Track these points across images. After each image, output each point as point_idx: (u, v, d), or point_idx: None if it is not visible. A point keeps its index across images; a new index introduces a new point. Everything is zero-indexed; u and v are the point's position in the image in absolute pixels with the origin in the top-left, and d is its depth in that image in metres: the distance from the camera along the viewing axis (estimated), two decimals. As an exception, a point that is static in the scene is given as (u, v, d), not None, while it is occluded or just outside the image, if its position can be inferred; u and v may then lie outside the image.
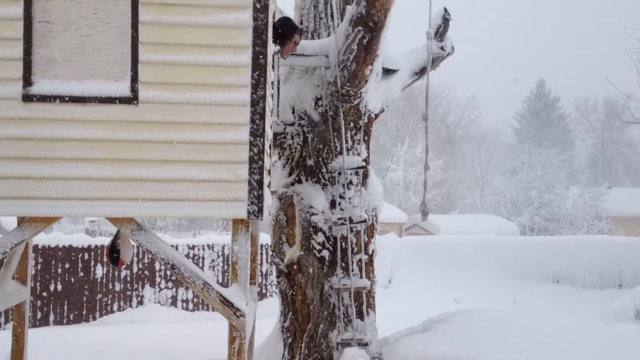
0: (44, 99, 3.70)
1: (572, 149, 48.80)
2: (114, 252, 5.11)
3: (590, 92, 61.30)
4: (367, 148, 5.81)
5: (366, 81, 5.36)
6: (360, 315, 5.58)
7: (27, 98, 3.70)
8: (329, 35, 5.70)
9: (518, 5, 78.94)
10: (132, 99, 3.74)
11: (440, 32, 5.92)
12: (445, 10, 5.85)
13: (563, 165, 34.55)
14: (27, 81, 3.69)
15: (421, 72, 6.03)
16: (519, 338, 5.22)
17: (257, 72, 3.81)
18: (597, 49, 69.42)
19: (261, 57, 3.79)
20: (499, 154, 46.92)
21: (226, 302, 3.96)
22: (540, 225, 30.64)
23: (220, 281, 12.22)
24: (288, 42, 5.11)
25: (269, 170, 4.52)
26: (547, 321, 6.04)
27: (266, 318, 9.00)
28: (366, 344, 5.35)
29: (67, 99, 3.71)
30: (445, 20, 5.87)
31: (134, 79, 3.73)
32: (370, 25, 5.01)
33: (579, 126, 56.32)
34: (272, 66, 4.26)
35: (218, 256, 12.49)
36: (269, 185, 4.36)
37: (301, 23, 5.89)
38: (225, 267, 12.47)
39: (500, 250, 16.69)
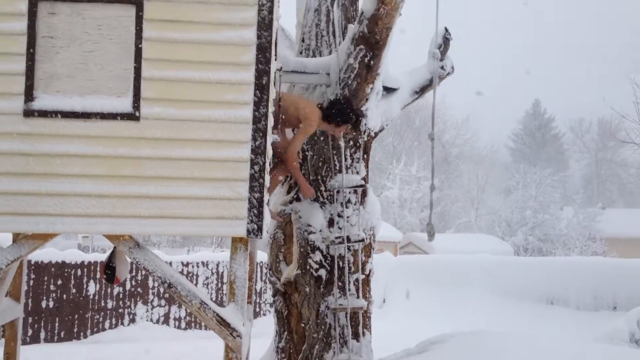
0: (45, 114, 3.68)
1: (567, 169, 49.01)
2: (109, 270, 5.06)
3: (584, 112, 61.68)
4: (366, 167, 5.80)
5: (367, 99, 5.36)
6: (356, 336, 5.53)
7: (28, 113, 3.67)
8: (330, 53, 5.71)
9: (511, 24, 79.80)
10: (134, 115, 3.72)
11: (440, 52, 5.94)
12: (446, 30, 5.88)
13: (557, 186, 34.66)
14: (29, 96, 3.66)
15: (421, 91, 6.04)
16: (516, 360, 5.16)
17: (259, 90, 3.80)
18: (591, 68, 70.05)
19: (264, 74, 3.79)
20: (495, 173, 47.06)
21: (223, 323, 3.92)
22: (534, 245, 30.66)
23: (214, 299, 12.12)
24: (344, 125, 5.15)
25: (268, 188, 4.50)
26: (543, 343, 5.98)
27: (260, 337, 8.91)
28: (361, 365, 5.29)
29: (68, 114, 3.68)
30: (446, 40, 5.90)
31: (137, 95, 3.71)
32: (372, 43, 5.03)
33: (574, 146, 56.64)
34: (274, 83, 4.25)
35: (212, 273, 12.40)
36: (267, 203, 4.34)
37: (303, 41, 5.90)
38: (219, 284, 12.37)
39: (495, 271, 16.67)
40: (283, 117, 4.95)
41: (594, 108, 51.99)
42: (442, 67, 5.99)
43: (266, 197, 4.02)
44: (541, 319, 13.99)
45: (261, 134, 3.84)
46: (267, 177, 4.12)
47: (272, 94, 4.03)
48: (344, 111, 5.11)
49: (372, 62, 5.14)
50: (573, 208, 33.50)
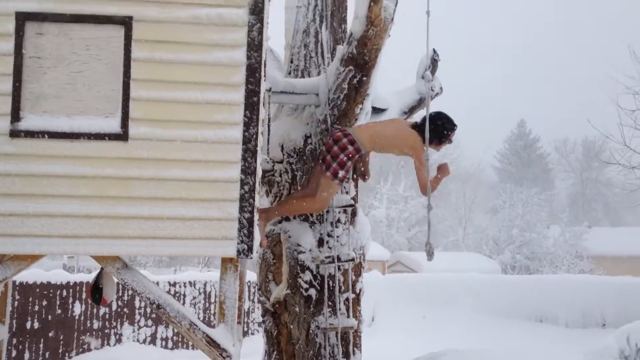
0: (31, 134, 3.64)
1: (552, 188, 49.38)
2: (96, 291, 5.00)
3: (568, 132, 62.44)
4: (356, 186, 5.79)
5: (356, 119, 5.37)
6: (346, 356, 5.48)
7: (15, 134, 3.63)
8: (319, 74, 5.73)
9: (497, 44, 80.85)
10: (122, 136, 3.69)
11: (430, 73, 5.96)
12: (434, 51, 5.92)
13: (544, 205, 34.86)
14: (15, 116, 3.63)
15: (410, 111, 6.06)
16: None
17: (249, 110, 3.80)
18: (576, 90, 71.08)
19: (254, 95, 3.79)
20: (481, 192, 47.30)
21: (213, 343, 3.88)
22: (522, 263, 30.73)
23: (201, 319, 12.03)
24: (443, 143, 5.18)
25: (258, 208, 4.48)
26: (533, 358, 5.98)
27: (248, 357, 8.83)
28: (351, 384, 5.25)
29: (55, 135, 3.65)
30: (434, 61, 5.93)
31: (125, 115, 3.69)
32: (361, 64, 5.05)
33: (559, 166, 57.20)
34: (263, 104, 4.25)
35: (199, 293, 12.32)
36: (258, 224, 4.31)
37: (291, 62, 5.92)
38: (207, 304, 12.29)
39: (483, 289, 16.71)
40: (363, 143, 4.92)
41: (578, 129, 52.66)
42: (431, 88, 6.02)
43: (256, 217, 4.00)
44: (530, 337, 14.00)
45: (251, 154, 3.83)
46: (257, 197, 4.11)
47: (262, 114, 4.03)
48: (442, 130, 5.12)
49: (361, 83, 5.16)
50: (559, 226, 33.71)
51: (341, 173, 4.95)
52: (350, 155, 4.91)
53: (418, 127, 5.13)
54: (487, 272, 24.40)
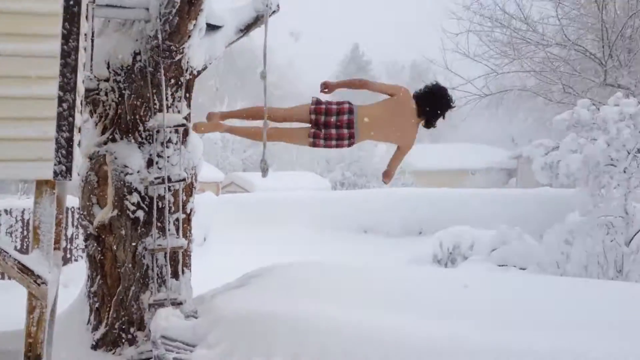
0: None
1: (381, 108, 52.07)
2: None
3: (398, 56, 65.61)
4: (189, 106, 5.65)
5: (189, 36, 5.16)
6: (175, 275, 5.52)
7: None
8: (149, -15, 5.39)
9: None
10: None
11: (267, -11, 5.84)
12: (272, -33, 5.80)
13: (373, 125, 36.66)
14: None
15: (246, 29, 5.94)
16: (333, 287, 5.44)
17: (68, 22, 3.50)
18: (405, 15, 74.10)
19: (74, 5, 3.48)
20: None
21: (25, 270, 3.68)
22: (351, 180, 32.46)
23: (19, 248, 11.29)
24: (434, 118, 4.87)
25: (80, 128, 4.21)
26: (359, 269, 6.38)
27: (72, 282, 8.52)
28: (180, 303, 5.28)
29: None
30: (272, -22, 5.83)
31: None
32: (194, -23, 4.82)
33: (388, 88, 60.22)
34: (87, 17, 3.92)
35: (17, 221, 11.51)
36: (79, 144, 4.07)
37: (119, -29, 5.50)
38: (25, 232, 11.54)
39: (314, 205, 17.52)
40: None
41: (407, 53, 55.36)
42: (267, 6, 5.92)
43: (77, 137, 3.77)
44: (357, 246, 15.00)
45: (71, 70, 3.56)
46: (79, 116, 3.86)
47: (84, 28, 3.73)
48: (435, 110, 4.94)
49: (194, -2, 4.94)
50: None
51: (320, 142, 4.75)
52: (342, 138, 4.71)
53: (418, 100, 4.97)
54: (318, 189, 25.51)
